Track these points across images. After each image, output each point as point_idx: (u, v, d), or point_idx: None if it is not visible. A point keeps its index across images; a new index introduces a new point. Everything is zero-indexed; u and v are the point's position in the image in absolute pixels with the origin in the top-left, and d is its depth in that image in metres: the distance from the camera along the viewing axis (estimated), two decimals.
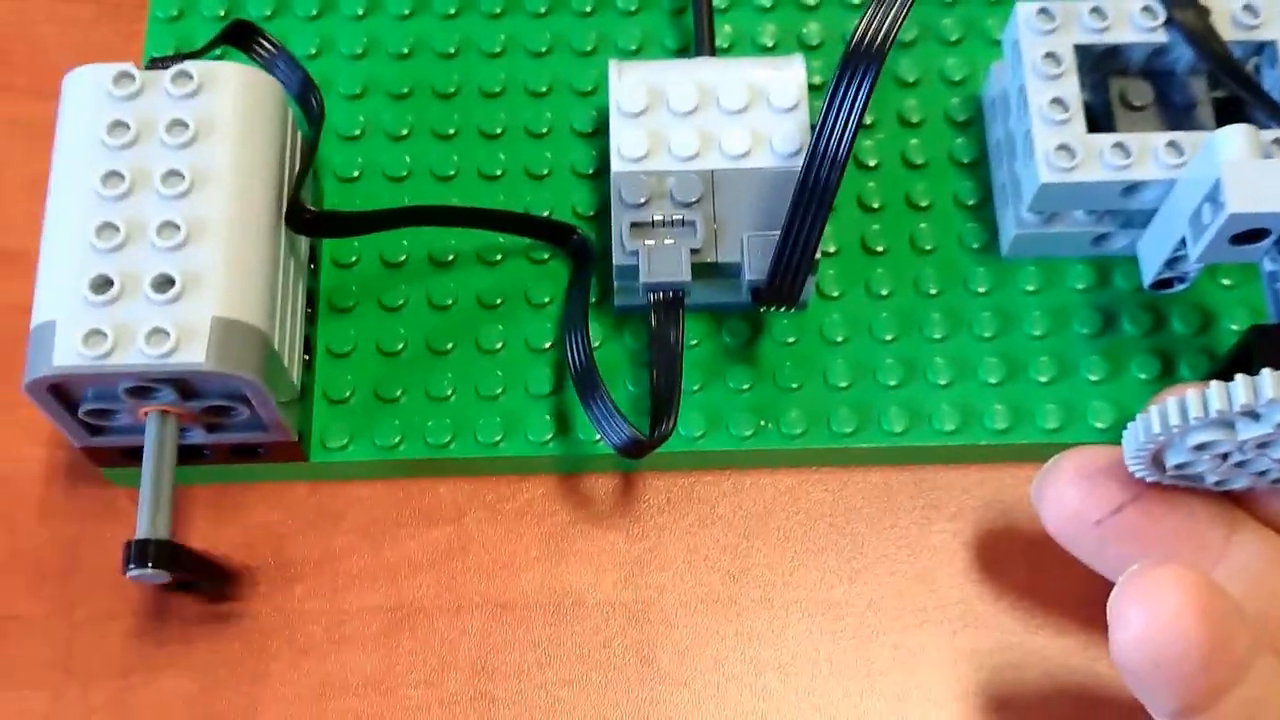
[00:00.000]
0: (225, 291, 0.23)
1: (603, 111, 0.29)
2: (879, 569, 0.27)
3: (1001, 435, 0.27)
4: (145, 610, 0.26)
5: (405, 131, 0.29)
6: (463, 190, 0.29)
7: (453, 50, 0.30)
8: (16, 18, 0.31)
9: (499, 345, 0.27)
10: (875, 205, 0.29)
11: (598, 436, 0.26)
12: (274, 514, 0.27)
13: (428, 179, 0.29)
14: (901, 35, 0.30)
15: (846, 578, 0.27)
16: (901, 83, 0.29)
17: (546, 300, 0.28)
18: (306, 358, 0.27)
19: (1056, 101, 0.26)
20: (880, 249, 0.28)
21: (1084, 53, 0.26)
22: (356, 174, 0.29)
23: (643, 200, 0.26)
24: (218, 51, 0.27)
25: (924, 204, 0.29)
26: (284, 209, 0.24)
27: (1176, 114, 0.27)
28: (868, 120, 0.29)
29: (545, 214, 0.28)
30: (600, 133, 0.29)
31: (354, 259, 0.28)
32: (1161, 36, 0.26)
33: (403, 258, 0.28)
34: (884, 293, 0.28)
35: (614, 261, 0.26)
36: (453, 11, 0.30)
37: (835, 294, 0.28)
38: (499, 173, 0.29)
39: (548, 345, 0.27)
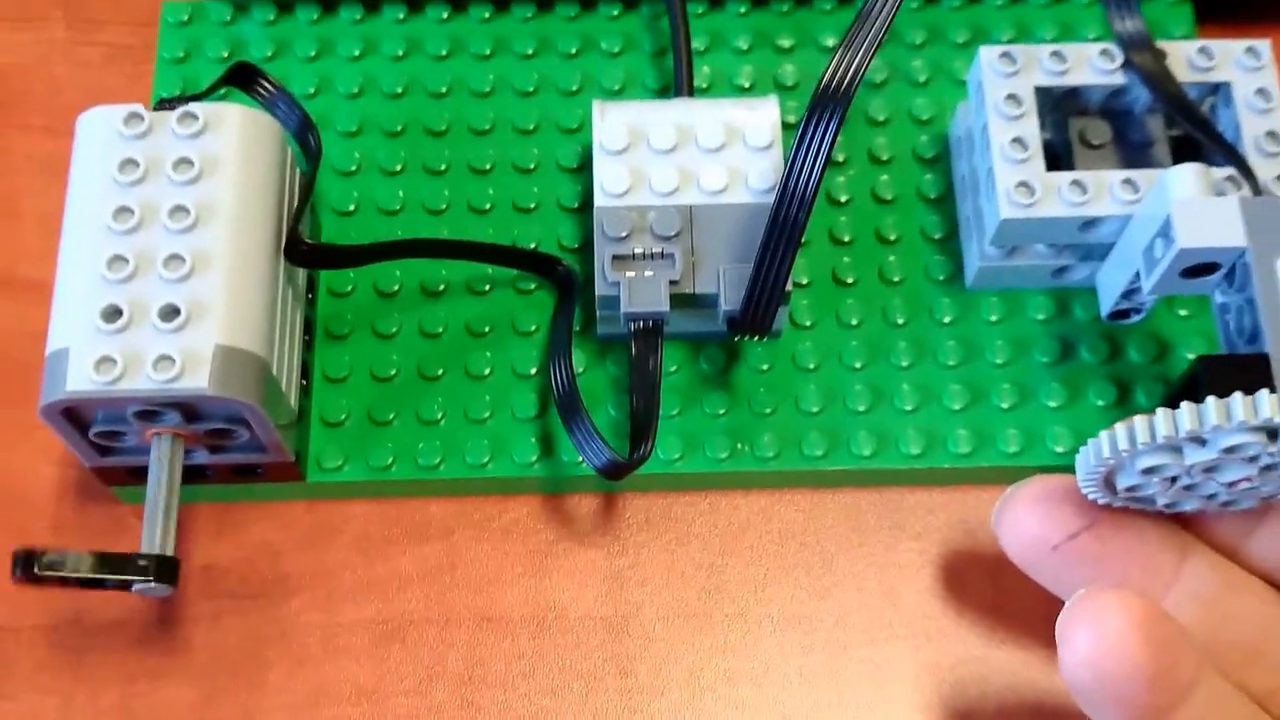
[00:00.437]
0: (227, 320, 0.24)
1: (587, 148, 0.30)
2: (848, 586, 0.28)
3: (965, 459, 0.28)
4: (150, 620, 0.27)
5: (399, 167, 0.30)
6: (453, 223, 0.30)
7: (444, 90, 0.31)
8: (33, 60, 0.32)
9: (487, 371, 0.29)
10: (846, 239, 0.30)
11: (580, 459, 0.27)
12: (272, 530, 0.28)
13: (420, 212, 0.30)
14: (872, 76, 0.31)
15: (817, 594, 0.28)
16: (872, 121, 0.31)
17: (533, 328, 0.29)
18: (304, 382, 0.28)
19: (1017, 141, 0.27)
20: (850, 280, 0.29)
21: (1044, 94, 0.28)
22: (352, 207, 0.30)
23: (624, 234, 0.27)
24: (221, 91, 0.28)
25: (892, 238, 0.30)
26: (283, 242, 0.26)
27: (1134, 151, 0.28)
28: (840, 157, 0.30)
29: (532, 245, 0.30)
30: (585, 168, 0.30)
31: (349, 288, 0.29)
32: (1119, 78, 0.28)
33: (396, 287, 0.29)
34: (854, 322, 0.29)
35: (597, 292, 0.27)
36: (444, 53, 0.31)
37: (807, 323, 0.29)
38: (488, 206, 0.30)
39: (534, 371, 0.29)
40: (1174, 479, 0.23)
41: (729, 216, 0.27)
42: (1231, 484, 0.23)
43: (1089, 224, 0.27)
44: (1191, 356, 0.29)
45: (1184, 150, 0.28)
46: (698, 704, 0.27)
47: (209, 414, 0.24)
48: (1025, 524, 0.24)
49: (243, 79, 0.27)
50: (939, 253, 0.30)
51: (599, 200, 0.27)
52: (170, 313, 0.24)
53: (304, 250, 0.26)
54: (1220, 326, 0.26)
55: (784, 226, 0.25)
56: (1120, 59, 0.28)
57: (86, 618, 0.27)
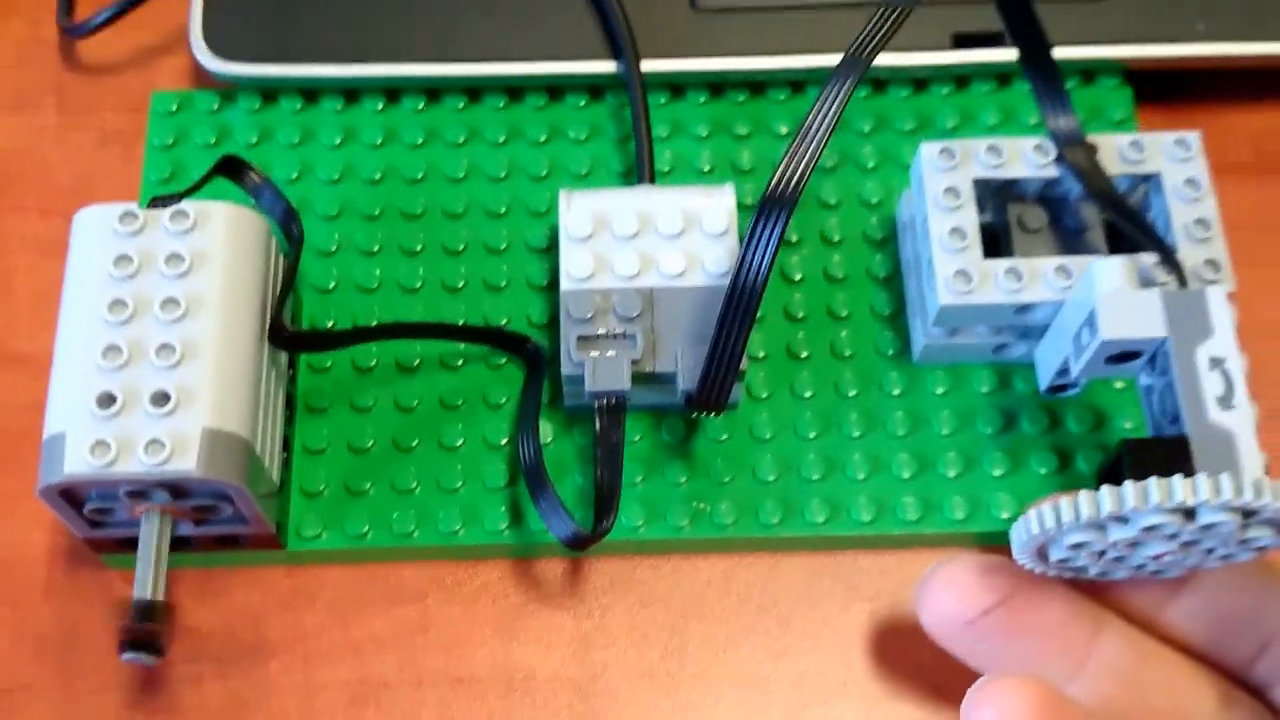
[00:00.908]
0: (214, 405, 0.25)
1: (555, 230, 0.32)
2: (804, 646, 0.29)
3: (914, 525, 0.29)
4: (137, 684, 0.28)
5: (377, 248, 0.32)
6: (428, 301, 0.31)
7: (420, 175, 0.33)
8: (28, 144, 0.34)
9: (459, 442, 0.30)
10: (800, 315, 0.31)
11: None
12: (253, 595, 0.29)
13: (396, 291, 0.31)
14: (824, 162, 0.33)
15: (775, 654, 0.29)
16: (824, 204, 0.32)
17: (503, 401, 0.30)
18: (285, 455, 0.29)
19: (955, 231, 0.29)
20: (804, 355, 0.31)
21: (983, 185, 0.29)
22: (332, 285, 0.31)
23: (589, 315, 0.29)
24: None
25: (844, 314, 0.31)
26: (267, 329, 0.27)
27: (1070, 237, 0.30)
28: (794, 238, 0.32)
29: (503, 322, 0.31)
30: (553, 249, 0.32)
31: (329, 364, 0.31)
32: (1053, 171, 0.29)
33: (373, 363, 0.31)
34: (807, 395, 0.31)
35: (562, 371, 0.29)
36: (420, 141, 0.33)
37: (764, 395, 0.31)
38: (461, 285, 0.32)
39: (504, 442, 0.30)
40: (1102, 553, 0.25)
41: (687, 299, 0.29)
42: (1156, 556, 0.25)
43: (1024, 308, 0.28)
44: (1129, 426, 0.30)
45: (1118, 235, 0.30)
46: None
47: (196, 492, 0.26)
48: (941, 600, 0.26)
49: (231, 170, 0.29)
50: (888, 329, 0.31)
51: (565, 284, 0.29)
52: (161, 399, 0.25)
53: (287, 336, 0.28)
54: (1146, 408, 0.27)
55: (736, 314, 0.27)
56: (1054, 154, 0.29)
57: (77, 681, 0.29)
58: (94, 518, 0.27)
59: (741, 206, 0.32)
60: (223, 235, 0.27)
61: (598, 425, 0.29)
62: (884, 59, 0.32)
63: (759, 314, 0.31)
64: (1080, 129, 0.29)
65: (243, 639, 0.29)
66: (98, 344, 0.26)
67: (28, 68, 0.35)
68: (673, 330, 0.29)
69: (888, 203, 0.32)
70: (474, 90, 0.34)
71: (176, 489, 0.26)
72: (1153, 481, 0.23)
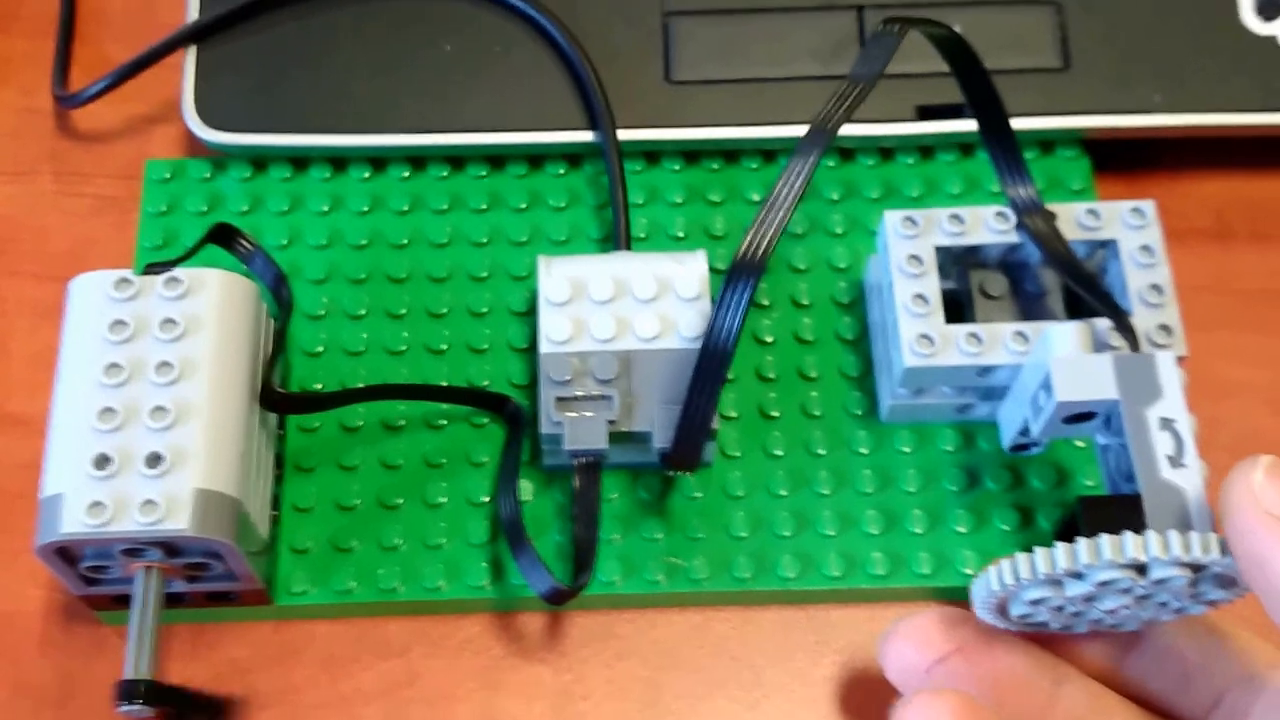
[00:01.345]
0: (206, 466, 0.26)
1: (535, 294, 0.33)
2: (777, 698, 0.30)
3: (882, 579, 0.30)
4: None
5: (363, 312, 0.33)
6: (412, 363, 0.32)
7: (405, 241, 0.34)
8: (23, 210, 0.35)
9: (443, 500, 0.31)
10: (771, 376, 0.32)
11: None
12: (242, 650, 0.30)
13: (382, 353, 0.32)
14: (794, 228, 0.34)
15: (748, 706, 0.30)
16: (794, 269, 0.34)
17: (485, 460, 0.31)
18: (274, 513, 0.30)
19: (919, 296, 0.30)
20: (776, 415, 0.32)
21: (945, 252, 0.30)
22: (320, 349, 0.32)
23: (567, 378, 0.30)
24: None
25: (814, 375, 0.32)
26: (258, 391, 0.28)
27: (1030, 301, 0.31)
28: (765, 301, 0.33)
29: (485, 383, 0.32)
30: (533, 312, 0.33)
31: (317, 425, 0.31)
32: (1013, 237, 0.30)
33: (359, 423, 0.32)
34: (779, 453, 0.32)
35: (541, 430, 0.29)
36: (405, 208, 0.34)
37: (736, 454, 0.31)
38: (444, 347, 0.33)
39: (485, 500, 0.31)
40: (1060, 608, 0.26)
41: (662, 361, 0.30)
42: (1112, 611, 0.26)
43: (986, 370, 0.30)
44: (1090, 484, 0.31)
45: (1076, 300, 0.31)
46: None
47: (188, 550, 0.27)
48: (900, 649, 0.27)
49: (223, 237, 0.30)
50: (856, 389, 0.32)
51: (543, 347, 0.30)
52: (155, 460, 0.26)
53: (277, 399, 0.29)
54: (1103, 466, 0.29)
55: (707, 375, 0.28)
56: (1014, 221, 0.30)
57: None
58: (89, 575, 0.27)
59: (714, 271, 0.33)
60: (215, 301, 0.28)
61: (576, 483, 0.30)
62: (852, 129, 0.34)
63: (732, 375, 0.32)
64: (1038, 197, 0.30)
65: (233, 693, 0.30)
66: (93, 406, 0.27)
67: (24, 136, 0.36)
68: (648, 391, 0.30)
69: (855, 267, 0.34)
70: (457, 159, 0.35)
71: (170, 547, 0.27)
72: (1105, 538, 0.24)
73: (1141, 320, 0.29)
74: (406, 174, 0.35)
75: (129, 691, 0.25)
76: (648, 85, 0.34)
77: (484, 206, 0.34)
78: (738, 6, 0.35)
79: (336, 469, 0.31)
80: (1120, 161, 0.35)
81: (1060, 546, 0.25)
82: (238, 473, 0.27)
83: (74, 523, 0.26)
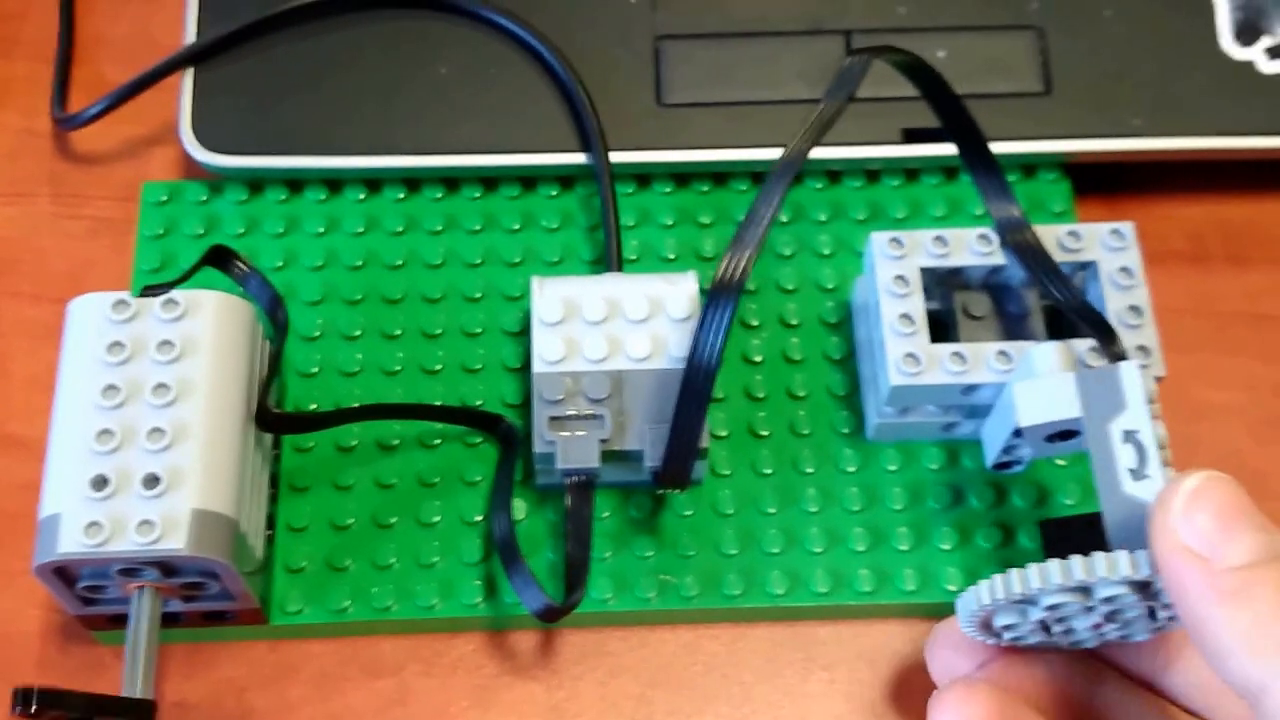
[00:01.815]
0: (202, 486, 0.27)
1: (528, 314, 0.33)
2: (766, 714, 0.30)
3: (868, 596, 0.31)
4: None
5: (358, 333, 0.33)
6: (407, 383, 0.33)
7: (400, 262, 0.34)
8: (22, 232, 0.35)
9: (436, 519, 0.31)
10: (760, 395, 0.33)
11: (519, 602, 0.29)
12: (238, 669, 0.30)
13: (377, 374, 0.33)
14: (781, 249, 0.35)
15: None
16: (782, 290, 0.34)
17: (478, 479, 0.32)
18: (269, 533, 0.31)
19: (905, 316, 0.30)
20: (764, 433, 0.32)
21: (930, 273, 0.31)
22: (316, 370, 0.33)
23: (559, 397, 0.30)
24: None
25: (801, 394, 0.33)
26: (254, 412, 0.29)
27: (1012, 322, 0.31)
28: (754, 322, 0.34)
29: (478, 403, 0.33)
30: (526, 332, 0.33)
31: (311, 445, 0.32)
32: (996, 259, 0.31)
33: (354, 443, 0.32)
34: (767, 472, 0.32)
35: (534, 449, 0.30)
36: (400, 229, 0.34)
37: (726, 472, 0.32)
38: (438, 367, 0.33)
39: (479, 518, 0.31)
40: (1045, 626, 0.26)
41: (653, 381, 0.30)
42: (1095, 626, 0.26)
43: (969, 389, 0.30)
44: (1070, 503, 0.32)
45: (1057, 320, 0.31)
46: None
47: (185, 570, 0.27)
48: (945, 656, 0.28)
49: (219, 260, 0.30)
50: (843, 408, 0.33)
51: (537, 367, 0.30)
52: (151, 481, 0.26)
53: (273, 419, 0.29)
54: (1095, 482, 0.29)
55: (693, 395, 0.28)
56: (997, 242, 0.31)
57: None
58: (86, 595, 0.28)
59: (704, 292, 0.33)
60: (212, 322, 0.28)
61: (568, 502, 0.30)
62: (839, 152, 0.35)
63: (721, 395, 0.33)
64: (1022, 214, 0.30)
65: (228, 712, 0.30)
66: (91, 428, 0.27)
67: (22, 158, 0.36)
68: (639, 410, 0.30)
69: (843, 287, 0.34)
70: (451, 180, 0.35)
71: (166, 567, 0.27)
72: (1053, 563, 0.24)
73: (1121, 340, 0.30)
74: (401, 195, 0.35)
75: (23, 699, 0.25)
76: (639, 108, 0.35)
77: (478, 228, 0.35)
78: (728, 30, 0.36)
79: (331, 488, 0.32)
80: (1100, 185, 0.36)
81: (1013, 573, 0.25)
82: (234, 493, 0.27)
83: (71, 542, 0.26)
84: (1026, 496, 0.32)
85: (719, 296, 0.27)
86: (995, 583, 0.25)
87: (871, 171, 0.36)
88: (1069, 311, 0.30)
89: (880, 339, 0.31)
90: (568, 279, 0.32)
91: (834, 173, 0.36)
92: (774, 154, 0.34)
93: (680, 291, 0.31)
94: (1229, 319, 0.35)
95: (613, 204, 0.34)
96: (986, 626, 0.27)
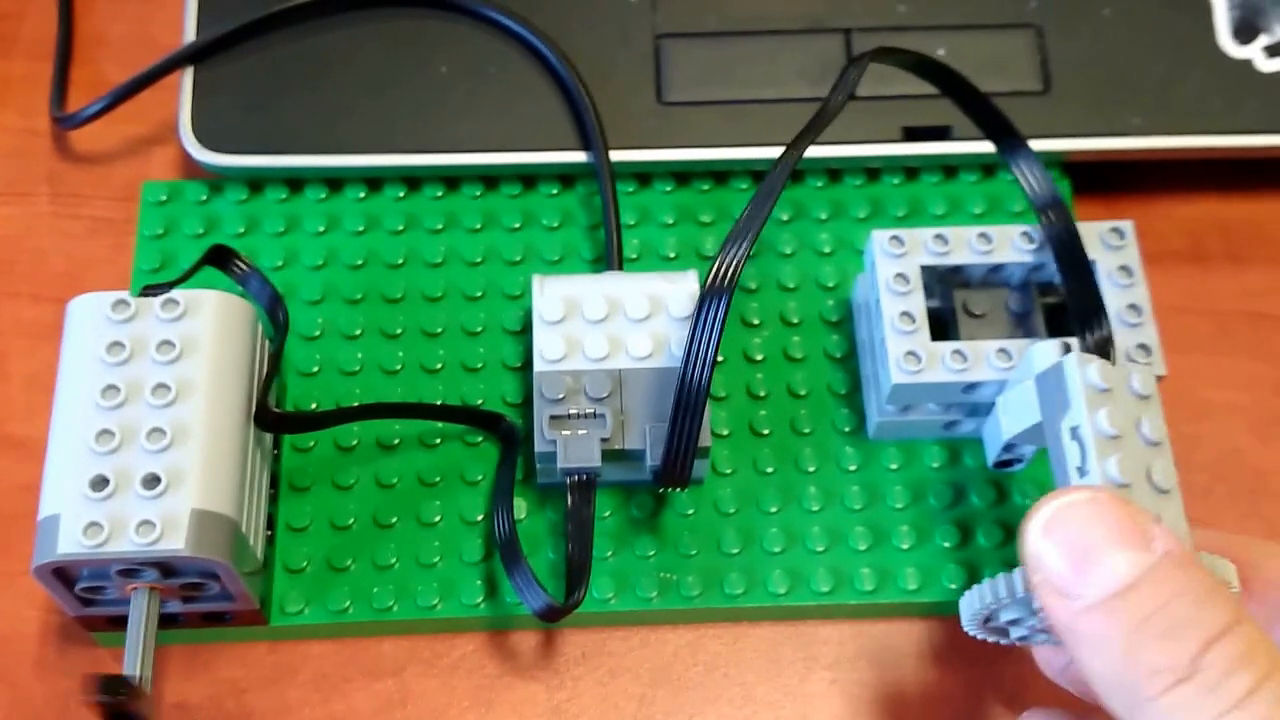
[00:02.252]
0: (202, 486, 0.27)
1: (528, 313, 0.33)
2: (767, 714, 0.30)
3: (869, 595, 0.31)
4: None
5: (358, 332, 0.33)
6: (407, 382, 0.33)
7: (400, 261, 0.34)
8: (21, 232, 0.35)
9: (437, 519, 0.31)
10: (761, 394, 0.33)
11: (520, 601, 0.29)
12: (238, 670, 0.30)
13: (377, 373, 0.33)
14: (782, 247, 0.35)
15: None
16: (783, 288, 0.34)
17: (479, 478, 0.32)
18: (269, 533, 0.30)
19: (905, 314, 0.30)
20: (766, 432, 0.32)
21: (930, 271, 0.31)
22: (316, 369, 0.33)
23: (560, 396, 0.30)
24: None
25: (803, 393, 0.33)
26: (254, 412, 0.29)
27: (1012, 320, 0.31)
28: (755, 320, 0.34)
29: (479, 403, 0.33)
30: (526, 331, 0.33)
31: (312, 444, 0.32)
32: (996, 257, 0.31)
33: (354, 443, 0.32)
34: (769, 470, 0.32)
35: (535, 448, 0.30)
36: (400, 228, 0.34)
37: (727, 471, 0.32)
38: (439, 366, 0.33)
39: (479, 518, 0.31)
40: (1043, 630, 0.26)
41: (654, 379, 0.30)
42: None
43: (970, 387, 0.30)
44: None
45: (1056, 318, 0.31)
46: None
47: (184, 570, 0.27)
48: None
49: (219, 259, 0.30)
50: (844, 407, 0.33)
51: (538, 366, 0.30)
52: (151, 481, 0.26)
53: (273, 419, 0.29)
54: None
55: (690, 391, 0.28)
56: (994, 241, 0.31)
57: None
58: (85, 596, 0.28)
59: None
60: (211, 322, 0.28)
61: (569, 501, 0.30)
62: (839, 150, 0.35)
63: (723, 393, 0.33)
64: (1055, 189, 0.30)
65: (228, 713, 0.30)
66: (91, 428, 0.27)
67: (21, 158, 0.36)
68: (640, 409, 0.30)
69: (844, 285, 0.34)
70: (452, 179, 0.35)
71: (166, 567, 0.27)
72: (1001, 576, 0.25)
73: (1120, 340, 0.30)
74: (402, 194, 0.35)
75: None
76: (640, 107, 0.35)
77: (478, 226, 0.35)
78: (728, 29, 0.36)
79: (331, 488, 0.31)
80: (1099, 183, 0.36)
81: (1001, 578, 0.25)
82: (233, 493, 0.27)
83: (71, 543, 0.26)
84: (1027, 495, 0.32)
85: (712, 295, 0.27)
86: (999, 583, 0.25)
87: (872, 170, 0.36)
88: (1069, 300, 0.30)
89: (881, 337, 0.31)
90: (568, 277, 0.32)
91: (834, 171, 0.36)
92: (774, 152, 0.34)
93: (681, 290, 0.31)
94: (1229, 318, 0.35)
95: (613, 202, 0.34)
96: (990, 625, 0.27)
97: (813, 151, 0.34)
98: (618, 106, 0.35)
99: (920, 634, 0.31)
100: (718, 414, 0.33)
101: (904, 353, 0.30)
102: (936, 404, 0.31)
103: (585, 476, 0.30)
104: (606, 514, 0.31)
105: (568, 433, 0.30)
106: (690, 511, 0.32)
